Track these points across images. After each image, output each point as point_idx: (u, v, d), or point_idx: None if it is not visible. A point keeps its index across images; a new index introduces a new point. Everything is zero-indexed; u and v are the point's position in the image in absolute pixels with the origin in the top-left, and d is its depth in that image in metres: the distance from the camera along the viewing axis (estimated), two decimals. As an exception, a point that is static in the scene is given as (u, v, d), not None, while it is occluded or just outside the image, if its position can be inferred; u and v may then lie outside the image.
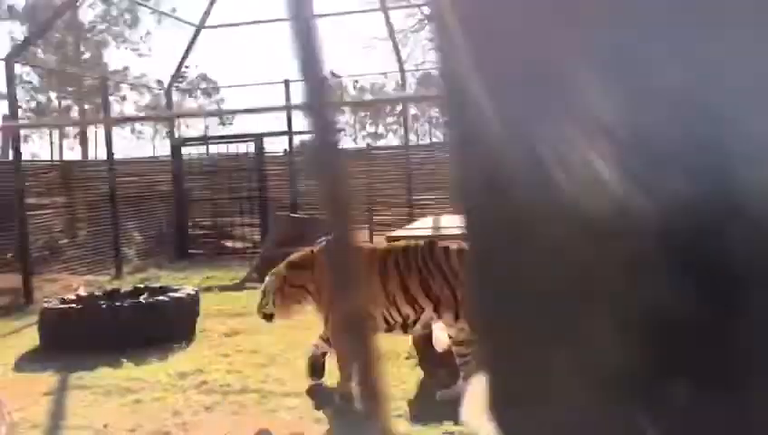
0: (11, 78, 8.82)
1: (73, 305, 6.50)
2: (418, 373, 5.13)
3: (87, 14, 26.52)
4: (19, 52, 9.93)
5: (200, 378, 5.24)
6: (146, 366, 5.60)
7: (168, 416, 4.52)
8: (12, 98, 8.94)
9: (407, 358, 5.45)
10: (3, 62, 8.90)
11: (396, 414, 4.32)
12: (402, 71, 12.75)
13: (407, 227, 6.73)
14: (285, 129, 13.09)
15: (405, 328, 4.76)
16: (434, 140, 49.02)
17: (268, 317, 5.03)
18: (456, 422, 4.09)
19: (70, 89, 28.93)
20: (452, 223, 6.49)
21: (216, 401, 4.76)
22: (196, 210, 13.52)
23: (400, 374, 5.09)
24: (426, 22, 16.73)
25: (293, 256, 5.13)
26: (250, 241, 12.99)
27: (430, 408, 4.42)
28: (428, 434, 4.06)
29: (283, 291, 4.92)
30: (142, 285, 7.63)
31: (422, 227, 6.38)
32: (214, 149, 14.23)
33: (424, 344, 5.13)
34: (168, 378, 5.26)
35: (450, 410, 4.31)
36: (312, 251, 5.04)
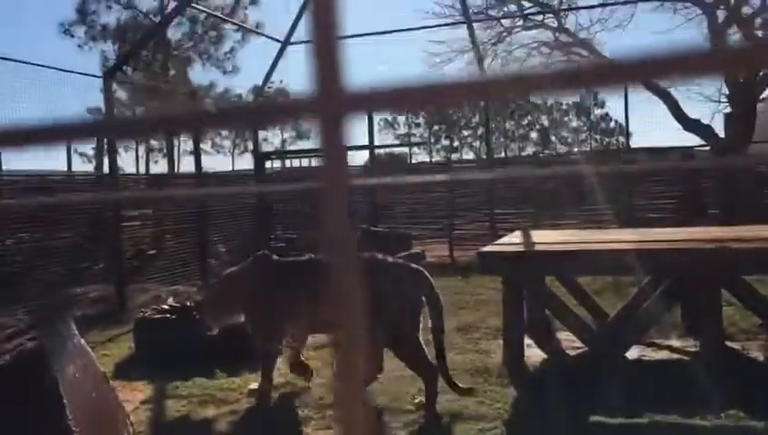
0: (108, 94, 9.19)
1: (167, 315, 6.66)
2: (512, 392, 5.01)
3: (174, 33, 27.56)
4: (115, 70, 10.35)
5: (293, 390, 5.26)
6: (238, 378, 5.66)
7: (263, 428, 4.55)
8: (109, 113, 9.32)
9: (498, 376, 5.33)
10: (101, 80, 9.31)
11: None
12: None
13: (497, 242, 6.60)
14: (366, 142, 13.16)
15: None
16: (509, 154, 48.64)
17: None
18: (558, 445, 3.97)
19: (157, 104, 30.07)
20: (544, 238, 6.35)
21: (310, 414, 4.76)
22: (278, 223, 13.73)
23: (492, 393, 4.98)
24: (505, 34, 16.55)
25: (230, 271, 5.62)
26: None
27: (528, 429, 4.30)
28: (529, 457, 3.93)
29: (220, 302, 5.38)
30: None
31: (513, 242, 6.25)
32: (295, 162, 14.43)
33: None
34: (260, 390, 5.29)
35: (547, 430, 4.19)
36: (244, 267, 5.45)
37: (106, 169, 10.68)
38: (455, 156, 48.67)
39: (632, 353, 5.58)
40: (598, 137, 52.60)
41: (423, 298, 4.82)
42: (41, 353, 2.64)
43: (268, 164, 13.68)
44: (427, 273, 4.93)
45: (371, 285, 4.42)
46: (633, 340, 5.56)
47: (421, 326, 4.81)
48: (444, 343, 4.81)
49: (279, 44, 12.77)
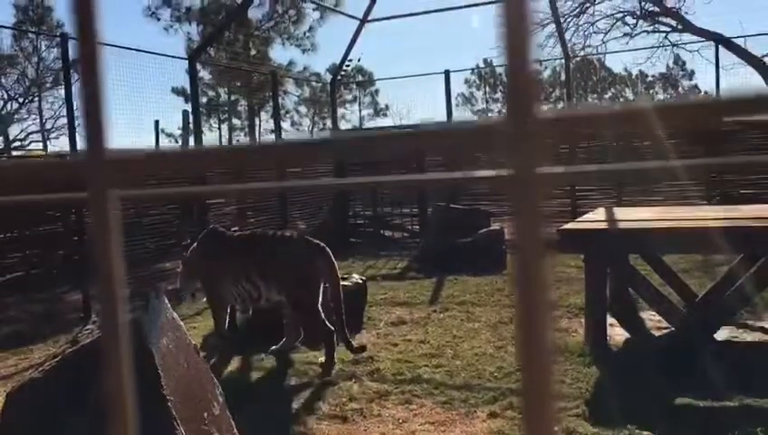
0: (194, 76, 9.46)
1: (251, 290, 6.85)
2: (594, 371, 4.94)
3: (254, 14, 28.01)
4: (199, 52, 10.62)
5: (372, 366, 5.34)
6: (319, 352, 5.79)
7: (344, 401, 4.65)
8: (194, 94, 9.60)
9: (579, 355, 5.26)
10: (186, 62, 9.59)
11: (574, 414, 4.18)
12: (567, 57, 12.30)
13: (579, 219, 6.47)
14: (444, 119, 13.09)
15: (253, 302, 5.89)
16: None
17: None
18: (642, 426, 3.89)
19: (239, 84, 30.74)
20: (627, 215, 6.18)
21: (388, 389, 4.83)
22: (357, 200, 13.86)
23: (575, 373, 4.92)
24: (588, 5, 16.04)
25: (192, 248, 6.45)
26: (409, 231, 13.14)
27: (611, 409, 4.23)
28: (611, 437, 3.88)
29: (185, 271, 6.39)
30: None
31: (595, 219, 6.11)
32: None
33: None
34: (341, 364, 5.40)
35: (632, 412, 4.11)
36: (199, 240, 6.32)
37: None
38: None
39: (722, 335, 5.39)
40: (686, 109, 50.45)
41: (319, 270, 5.59)
42: (137, 326, 2.78)
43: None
44: (325, 249, 5.70)
45: (274, 258, 5.62)
46: (723, 321, 5.37)
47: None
48: (342, 311, 5.54)
49: (357, 22, 12.81)
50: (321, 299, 5.58)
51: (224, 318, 6.12)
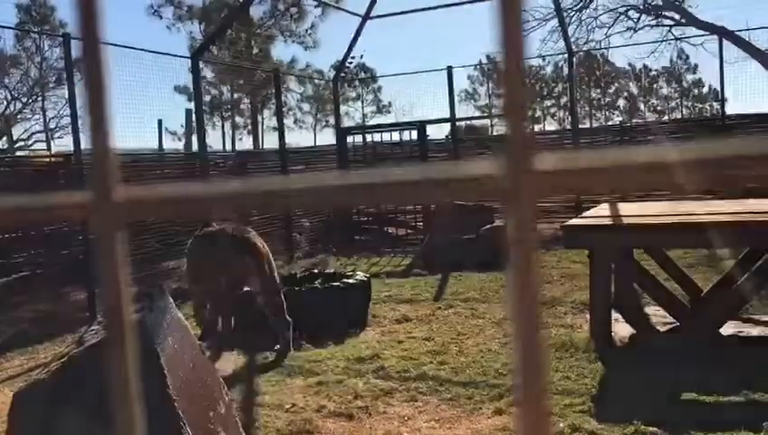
0: (197, 74, 9.46)
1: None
2: (599, 367, 4.93)
3: (256, 11, 28.00)
4: (202, 51, 10.62)
5: (377, 363, 5.35)
6: (324, 349, 5.80)
7: (350, 398, 4.65)
8: (197, 93, 9.60)
9: (585, 351, 5.25)
10: (189, 60, 9.59)
11: (579, 410, 4.18)
12: (570, 51, 12.27)
13: (583, 215, 6.45)
14: (447, 115, 13.07)
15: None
16: (594, 124, 47.26)
17: None
18: (648, 422, 3.89)
19: (241, 82, 30.77)
20: (632, 210, 6.17)
21: (394, 386, 4.83)
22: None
23: (580, 368, 4.92)
24: None
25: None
26: (412, 228, 13.13)
27: (616, 405, 4.22)
28: (617, 433, 3.87)
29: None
30: (316, 271, 7.91)
31: (600, 215, 6.09)
32: (376, 136, 14.48)
33: None
34: (346, 362, 5.41)
35: (638, 407, 4.11)
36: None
37: (194, 147, 11.02)
38: (537, 126, 47.70)
39: (727, 329, 5.38)
40: (690, 104, 50.35)
41: (241, 261, 5.76)
42: (142, 326, 2.78)
43: (350, 139, 13.78)
44: (252, 241, 5.90)
45: (200, 251, 5.91)
46: (728, 315, 5.35)
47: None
48: (277, 301, 5.85)
49: (359, 19, 12.79)
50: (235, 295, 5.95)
51: (202, 317, 6.15)
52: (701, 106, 48.32)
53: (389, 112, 39.34)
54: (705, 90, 48.33)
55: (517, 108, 0.35)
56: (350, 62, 14.26)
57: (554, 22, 14.18)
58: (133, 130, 12.32)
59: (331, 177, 0.39)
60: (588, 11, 16.68)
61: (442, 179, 0.37)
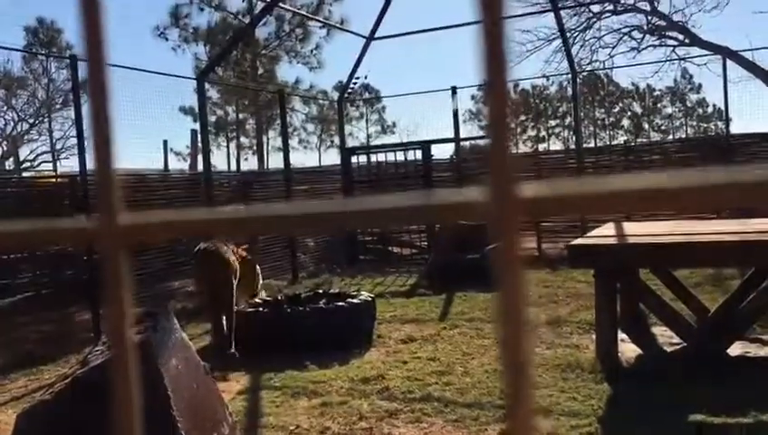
0: (202, 95, 9.52)
1: (260, 309, 6.86)
2: (605, 388, 4.89)
3: (261, 32, 28.21)
4: (207, 72, 10.69)
5: (381, 384, 5.31)
6: (329, 370, 5.77)
7: (354, 420, 4.62)
8: (203, 113, 9.65)
9: (591, 372, 5.21)
10: (194, 81, 9.65)
11: (587, 432, 4.14)
12: (574, 71, 12.32)
13: (588, 235, 6.44)
14: (451, 135, 13.11)
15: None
16: (599, 143, 47.28)
17: None
18: (656, 444, 3.85)
19: (246, 103, 30.92)
20: (637, 230, 6.15)
21: (398, 407, 4.79)
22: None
23: (587, 389, 4.88)
24: (594, 20, 16.06)
25: None
26: (417, 248, 13.12)
27: (623, 426, 4.18)
28: (624, 455, 3.83)
29: None
30: (321, 291, 7.89)
31: (605, 234, 6.07)
32: (381, 156, 14.52)
33: None
34: (350, 383, 5.38)
35: (645, 429, 4.07)
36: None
37: (200, 167, 11.05)
38: (542, 146, 47.72)
39: (735, 350, 5.34)
40: (694, 123, 50.38)
41: (213, 273, 6.26)
42: (146, 346, 2.77)
43: (354, 159, 13.82)
44: (229, 258, 6.35)
45: (193, 266, 6.57)
46: (736, 336, 5.32)
47: None
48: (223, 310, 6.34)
49: (363, 40, 12.87)
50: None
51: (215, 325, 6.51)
52: (705, 126, 48.34)
53: (394, 132, 39.44)
54: (709, 109, 48.40)
55: (502, 136, 0.35)
56: (355, 83, 14.33)
57: (558, 42, 14.24)
58: (139, 150, 12.37)
59: (319, 205, 0.39)
60: (591, 31, 16.74)
61: (430, 206, 0.37)
